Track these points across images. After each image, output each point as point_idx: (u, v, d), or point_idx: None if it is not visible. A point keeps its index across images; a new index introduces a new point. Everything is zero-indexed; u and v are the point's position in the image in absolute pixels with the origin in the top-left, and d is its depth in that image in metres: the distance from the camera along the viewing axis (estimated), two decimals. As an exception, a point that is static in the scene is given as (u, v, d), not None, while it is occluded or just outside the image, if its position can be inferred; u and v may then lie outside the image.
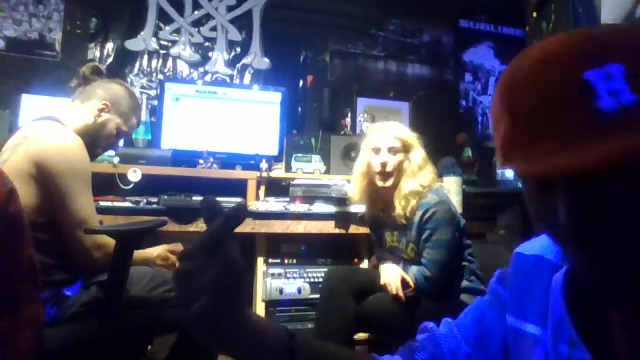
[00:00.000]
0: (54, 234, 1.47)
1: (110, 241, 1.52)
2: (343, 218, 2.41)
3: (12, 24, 2.88)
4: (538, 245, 0.69)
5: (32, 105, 2.54)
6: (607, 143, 0.43)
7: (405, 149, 1.95)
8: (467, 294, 1.87)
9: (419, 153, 1.96)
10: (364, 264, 2.53)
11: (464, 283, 1.91)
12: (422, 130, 2.11)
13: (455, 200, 2.32)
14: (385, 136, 1.94)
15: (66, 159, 1.49)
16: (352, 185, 2.08)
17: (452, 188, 2.44)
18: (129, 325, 1.59)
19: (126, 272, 1.57)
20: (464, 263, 1.94)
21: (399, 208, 1.91)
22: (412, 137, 1.98)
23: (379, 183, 1.94)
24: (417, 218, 1.88)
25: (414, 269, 1.90)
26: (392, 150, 1.92)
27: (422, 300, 1.85)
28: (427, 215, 1.85)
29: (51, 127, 1.58)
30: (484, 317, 0.73)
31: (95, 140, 1.68)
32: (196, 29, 3.22)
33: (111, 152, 2.42)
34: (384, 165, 1.91)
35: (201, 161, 2.58)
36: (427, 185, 1.91)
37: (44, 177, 1.44)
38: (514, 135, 0.52)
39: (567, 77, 0.48)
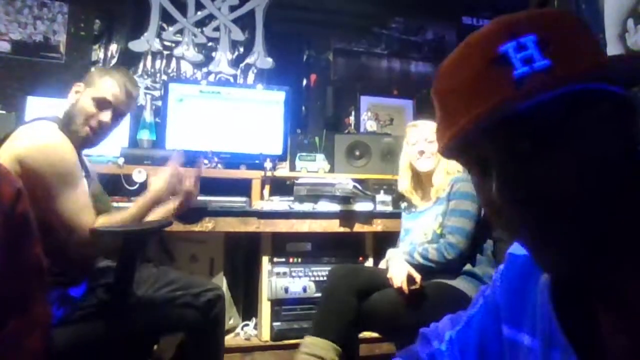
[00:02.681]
0: (54, 234, 1.46)
1: (102, 231, 1.50)
2: (348, 217, 2.41)
3: (18, 27, 2.90)
4: None
5: (37, 107, 2.55)
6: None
7: None
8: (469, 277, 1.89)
9: None
10: (369, 263, 2.53)
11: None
12: (426, 128, 2.14)
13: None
14: (421, 129, 2.09)
15: (46, 157, 1.45)
16: (400, 180, 2.21)
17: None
18: (136, 326, 1.60)
19: (132, 273, 1.57)
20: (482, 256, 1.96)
21: (435, 185, 2.05)
22: None
23: (420, 166, 2.08)
24: (447, 190, 2.00)
25: (433, 244, 1.92)
26: (428, 140, 2.07)
27: (428, 293, 1.83)
28: (455, 187, 1.97)
29: (37, 126, 1.55)
30: (485, 329, 0.71)
31: (72, 119, 1.59)
32: (199, 30, 3.23)
33: (116, 153, 2.44)
34: (421, 152, 2.07)
35: (206, 161, 2.59)
36: (462, 170, 2.00)
37: (28, 176, 1.41)
38: (442, 117, 0.56)
39: (485, 53, 0.51)
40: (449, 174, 2.03)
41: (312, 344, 1.77)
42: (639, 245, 0.50)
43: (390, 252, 2.01)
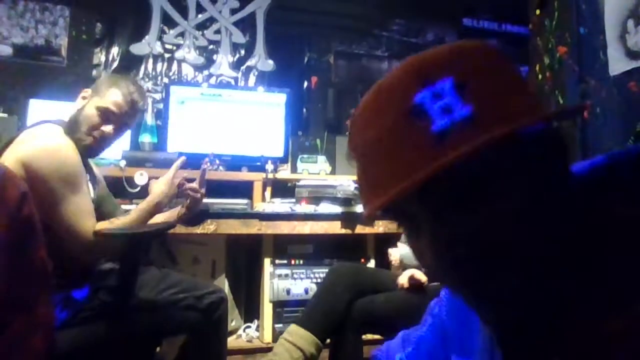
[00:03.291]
0: (57, 237, 1.46)
1: (104, 236, 1.51)
2: (349, 218, 2.41)
3: (20, 31, 2.90)
4: None
5: (39, 111, 2.56)
6: (439, 160, 0.42)
7: None
8: None
9: None
10: (371, 264, 2.53)
11: None
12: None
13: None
14: None
15: (50, 161, 1.46)
16: None
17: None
18: (138, 328, 1.60)
19: (135, 275, 1.58)
20: None
21: None
22: None
23: None
24: None
25: None
26: None
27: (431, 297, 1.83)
28: None
29: (41, 130, 1.55)
30: (435, 355, 0.70)
31: (76, 126, 1.59)
32: (200, 32, 3.24)
33: (117, 156, 2.44)
34: None
35: (207, 163, 2.59)
36: None
37: (32, 179, 1.41)
38: (365, 182, 0.51)
39: (400, 104, 0.47)
40: None
41: (295, 332, 1.80)
42: (586, 289, 0.48)
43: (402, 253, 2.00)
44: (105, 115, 1.60)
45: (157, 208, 1.69)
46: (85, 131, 1.59)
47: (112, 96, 1.61)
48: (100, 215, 1.64)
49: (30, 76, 2.88)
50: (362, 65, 3.63)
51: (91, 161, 1.75)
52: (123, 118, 1.63)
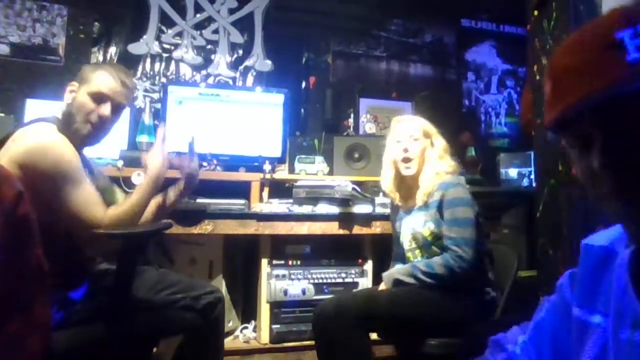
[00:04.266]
0: (54, 236, 1.45)
1: (111, 221, 1.50)
2: (347, 219, 2.42)
3: (17, 30, 2.90)
4: (605, 236, 0.71)
5: (36, 110, 2.55)
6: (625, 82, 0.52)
7: (427, 135, 2.00)
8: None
9: (440, 141, 2.01)
10: (368, 265, 2.53)
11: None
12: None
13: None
14: (406, 126, 2.01)
15: (45, 157, 1.45)
16: (382, 178, 2.11)
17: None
18: (135, 328, 1.60)
19: (132, 275, 1.57)
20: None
21: (422, 188, 1.93)
22: (432, 127, 2.03)
23: (404, 171, 1.97)
24: (437, 196, 1.89)
25: (437, 259, 1.81)
26: (414, 138, 1.97)
27: (430, 293, 1.78)
28: (448, 193, 1.86)
29: (35, 128, 1.54)
30: (555, 323, 0.75)
31: (72, 118, 1.59)
32: (198, 32, 3.23)
33: (115, 156, 2.44)
34: (405, 150, 1.96)
35: (205, 163, 2.59)
36: (450, 172, 1.94)
37: (28, 178, 1.39)
38: (553, 92, 0.60)
39: (601, 37, 0.56)
40: (438, 174, 1.92)
41: None
42: None
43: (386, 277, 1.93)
44: (99, 98, 1.60)
45: (159, 181, 1.66)
46: (81, 120, 1.58)
47: (100, 79, 1.61)
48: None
49: (27, 75, 2.87)
50: (360, 66, 3.63)
51: (89, 157, 1.75)
52: (117, 98, 1.62)
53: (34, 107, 2.58)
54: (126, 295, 1.56)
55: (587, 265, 0.71)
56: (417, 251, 1.95)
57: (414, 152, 1.96)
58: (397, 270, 1.91)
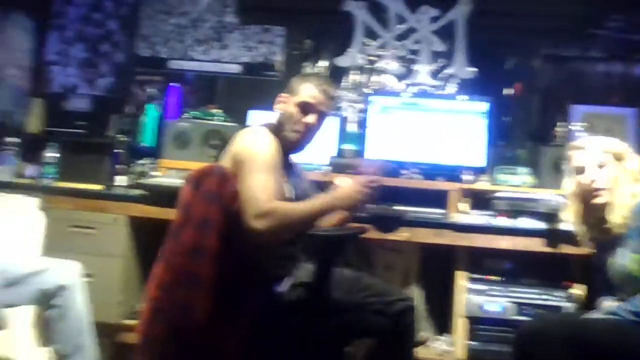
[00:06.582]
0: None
1: (277, 208, 1.50)
2: (552, 236, 2.22)
3: (247, 52, 3.40)
4: None
5: (256, 120, 2.89)
6: None
7: (617, 159, 1.73)
8: None
9: (635, 161, 1.73)
10: (576, 290, 2.28)
11: None
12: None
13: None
14: (591, 152, 1.75)
15: (249, 147, 1.63)
16: (566, 208, 1.91)
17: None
18: (328, 326, 1.68)
19: (330, 275, 1.65)
20: None
21: (618, 217, 1.66)
22: (623, 147, 1.76)
23: (593, 200, 1.73)
24: (637, 221, 1.61)
25: None
26: (600, 165, 1.72)
27: None
28: None
29: (250, 128, 1.80)
30: None
31: (282, 127, 1.77)
32: (400, 43, 3.31)
33: (325, 162, 2.62)
34: (592, 181, 1.71)
35: (404, 171, 2.64)
36: None
37: (235, 166, 1.60)
38: None
39: None
40: (635, 197, 1.64)
41: None
42: None
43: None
44: (305, 108, 1.75)
45: (340, 203, 1.64)
46: (290, 128, 1.76)
47: (306, 90, 1.77)
48: None
49: (252, 90, 3.34)
50: (572, 69, 3.31)
51: (297, 163, 1.92)
52: (320, 107, 1.77)
53: (254, 117, 2.92)
54: (324, 294, 1.64)
55: None
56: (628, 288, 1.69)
57: (602, 181, 1.70)
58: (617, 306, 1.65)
